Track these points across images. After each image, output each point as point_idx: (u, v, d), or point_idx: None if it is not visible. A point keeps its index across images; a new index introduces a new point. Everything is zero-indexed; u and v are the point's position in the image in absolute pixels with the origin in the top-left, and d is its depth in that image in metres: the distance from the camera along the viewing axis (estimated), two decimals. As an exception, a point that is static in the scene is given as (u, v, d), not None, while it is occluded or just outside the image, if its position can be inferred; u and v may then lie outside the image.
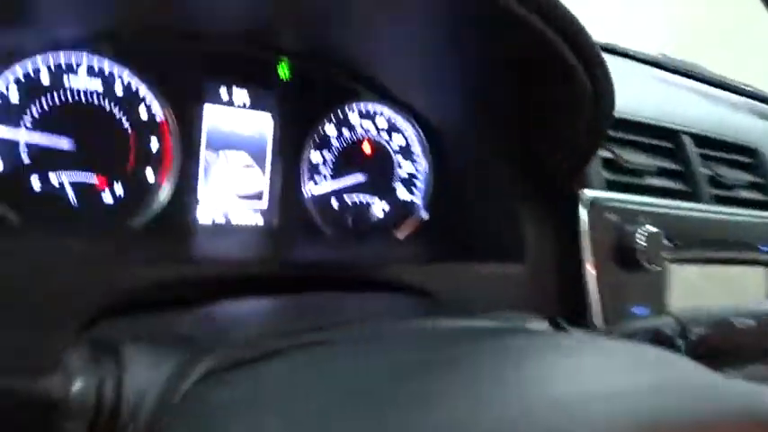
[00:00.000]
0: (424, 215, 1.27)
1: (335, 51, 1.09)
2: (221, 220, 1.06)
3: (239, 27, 1.00)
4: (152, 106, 0.96)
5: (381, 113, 1.20)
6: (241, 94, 1.06)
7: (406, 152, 1.24)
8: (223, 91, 1.04)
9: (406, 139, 1.23)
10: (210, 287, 0.74)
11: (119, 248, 0.88)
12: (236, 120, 1.06)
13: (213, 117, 1.03)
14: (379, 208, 1.22)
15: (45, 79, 0.87)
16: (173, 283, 0.73)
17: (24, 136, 0.86)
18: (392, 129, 1.22)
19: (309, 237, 1.12)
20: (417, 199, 1.26)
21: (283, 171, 1.10)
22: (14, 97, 0.85)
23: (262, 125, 1.08)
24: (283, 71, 1.09)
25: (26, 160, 0.87)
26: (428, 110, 1.21)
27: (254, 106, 1.07)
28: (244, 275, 0.80)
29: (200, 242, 1.00)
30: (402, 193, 1.25)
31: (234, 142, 1.06)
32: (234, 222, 1.07)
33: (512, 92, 1.00)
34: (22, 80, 0.86)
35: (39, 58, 0.86)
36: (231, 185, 1.06)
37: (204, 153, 1.03)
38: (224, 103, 1.04)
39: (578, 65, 0.82)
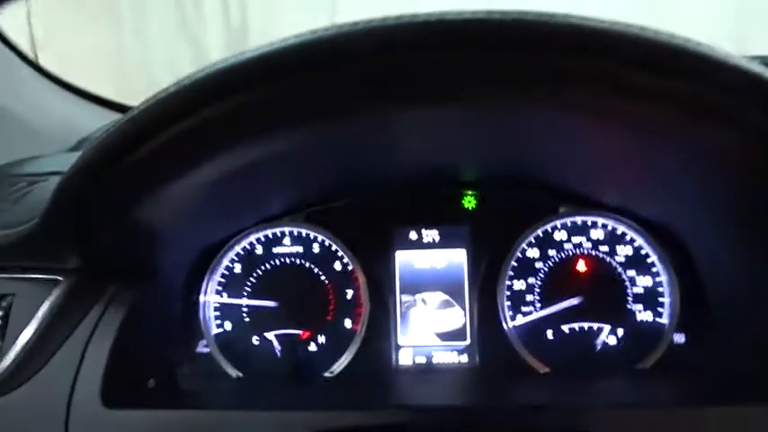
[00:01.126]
0: (678, 338, 1.01)
1: (526, 174, 1.02)
2: (422, 362, 1.04)
3: (420, 171, 1.03)
4: (346, 260, 1.05)
5: (596, 225, 1.05)
6: (430, 234, 1.07)
7: (640, 264, 1.03)
8: (412, 234, 1.07)
9: (635, 249, 1.04)
10: None
11: (319, 394, 0.94)
12: (429, 260, 1.06)
13: (405, 261, 1.06)
14: (610, 335, 1.02)
15: (258, 251, 1.06)
16: (368, 429, 0.74)
17: (245, 301, 1.04)
18: (615, 240, 1.04)
19: (521, 376, 0.99)
20: (664, 319, 1.02)
21: (484, 305, 1.04)
22: (237, 269, 1.05)
23: (456, 261, 1.06)
24: (469, 202, 1.07)
25: (246, 320, 1.04)
26: (656, 215, 1.01)
27: (444, 243, 1.06)
28: (444, 423, 0.76)
29: (399, 386, 0.99)
30: (642, 313, 1.03)
31: (429, 282, 1.06)
32: (435, 363, 1.04)
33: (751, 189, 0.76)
34: (242, 253, 1.05)
35: (252, 236, 1.05)
36: (430, 326, 1.05)
37: (399, 297, 1.05)
38: (414, 246, 1.07)
39: None
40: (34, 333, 0.78)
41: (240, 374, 1.02)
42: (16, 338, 0.78)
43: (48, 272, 0.82)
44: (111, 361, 0.78)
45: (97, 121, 1.33)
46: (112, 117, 1.39)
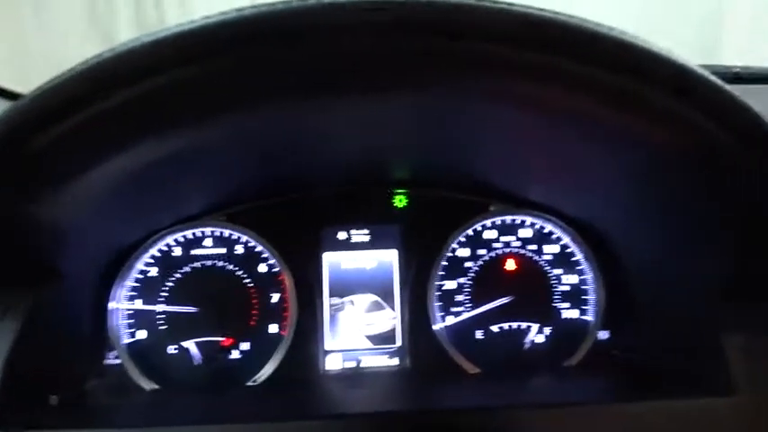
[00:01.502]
0: (602, 335, 1.03)
1: (456, 172, 1.01)
2: (351, 366, 1.00)
3: (349, 169, 0.99)
4: (271, 262, 1.00)
5: (524, 223, 1.05)
6: (360, 234, 1.03)
7: (566, 263, 1.05)
8: (341, 234, 1.03)
9: (562, 247, 1.05)
10: None
11: (242, 404, 0.88)
12: (359, 261, 1.03)
13: (334, 262, 1.02)
14: (538, 334, 1.03)
15: (176, 253, 0.98)
16: None
17: (161, 307, 0.96)
18: (542, 239, 1.05)
19: (451, 377, 0.98)
20: (589, 316, 1.04)
21: (414, 306, 1.02)
22: (153, 273, 0.98)
23: (386, 261, 1.03)
24: (400, 201, 1.04)
25: (162, 328, 0.96)
26: (580, 212, 1.03)
27: (374, 244, 1.03)
28: (374, 430, 0.72)
29: (328, 393, 0.95)
30: (568, 311, 1.04)
31: (359, 284, 1.02)
32: (365, 366, 1.01)
33: (683, 183, 0.78)
34: (158, 256, 0.98)
35: (169, 237, 0.98)
36: (360, 328, 1.01)
37: (327, 300, 1.01)
38: (344, 247, 1.03)
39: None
40: None
41: (155, 387, 0.94)
42: None
43: (-72, 278, 0.72)
44: (4, 376, 0.69)
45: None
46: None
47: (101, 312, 0.94)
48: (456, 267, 1.04)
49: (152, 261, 0.98)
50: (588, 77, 0.56)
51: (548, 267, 1.04)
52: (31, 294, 0.75)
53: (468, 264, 1.04)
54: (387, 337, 1.02)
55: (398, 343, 1.02)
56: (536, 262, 1.05)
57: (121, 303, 0.95)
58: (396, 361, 1.01)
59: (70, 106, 0.53)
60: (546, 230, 1.05)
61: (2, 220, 0.65)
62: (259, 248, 1.00)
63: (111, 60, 0.52)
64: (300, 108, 0.65)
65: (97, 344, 0.94)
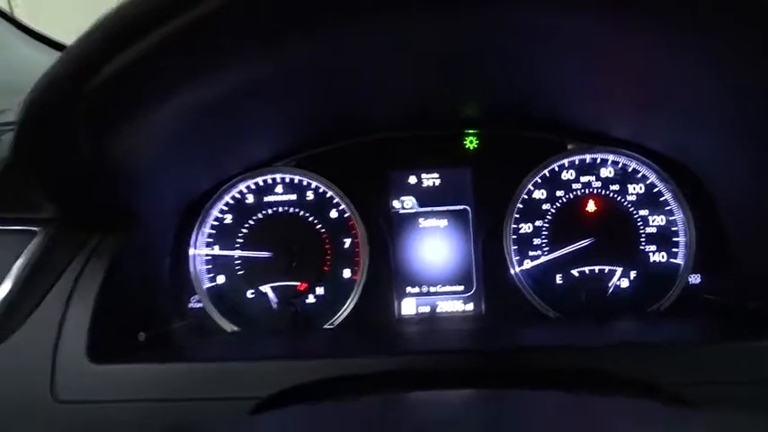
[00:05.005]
0: (694, 279, 0.96)
1: (531, 109, 0.95)
2: (425, 311, 0.99)
3: (418, 108, 0.96)
4: (342, 207, 0.99)
5: (606, 162, 0.99)
6: (431, 178, 1.01)
7: (653, 203, 0.98)
8: (411, 178, 1.01)
9: (647, 187, 0.98)
10: (412, 380, 0.68)
11: (321, 344, 0.89)
12: (430, 204, 1.00)
13: (405, 206, 1.00)
14: (622, 277, 0.97)
15: (249, 200, 1.00)
16: (372, 375, 0.69)
17: (237, 253, 0.99)
18: (626, 177, 0.99)
19: (529, 321, 0.95)
20: (679, 259, 0.97)
21: (490, 250, 0.99)
22: (228, 219, 1.00)
23: (458, 205, 1.00)
24: (471, 143, 1.00)
25: (239, 273, 0.99)
26: (669, 146, 0.95)
27: (446, 187, 1.01)
28: (454, 367, 0.71)
29: (404, 335, 0.94)
30: (656, 254, 0.98)
31: (431, 229, 1.00)
32: (439, 311, 0.99)
33: None
34: (232, 203, 1.00)
35: (241, 184, 0.99)
36: (434, 273, 1.00)
37: (399, 244, 1.00)
38: (414, 190, 1.01)
39: None
40: (12, 288, 0.72)
41: (236, 329, 0.98)
42: (-7, 294, 0.73)
43: (22, 222, 0.76)
44: (96, 314, 0.73)
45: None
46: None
47: (182, 258, 0.98)
48: (532, 210, 0.99)
49: (226, 208, 1.00)
50: None
51: (632, 208, 0.98)
52: (115, 238, 0.79)
53: (545, 206, 0.99)
54: (461, 282, 1.00)
55: (473, 287, 1.00)
56: (619, 202, 0.98)
57: (200, 249, 0.99)
58: (470, 306, 0.99)
59: (133, 31, 0.52)
60: (630, 168, 0.98)
61: (81, 156, 0.67)
62: (329, 194, 1.00)
63: None
64: (368, 30, 0.62)
65: (180, 288, 0.98)
